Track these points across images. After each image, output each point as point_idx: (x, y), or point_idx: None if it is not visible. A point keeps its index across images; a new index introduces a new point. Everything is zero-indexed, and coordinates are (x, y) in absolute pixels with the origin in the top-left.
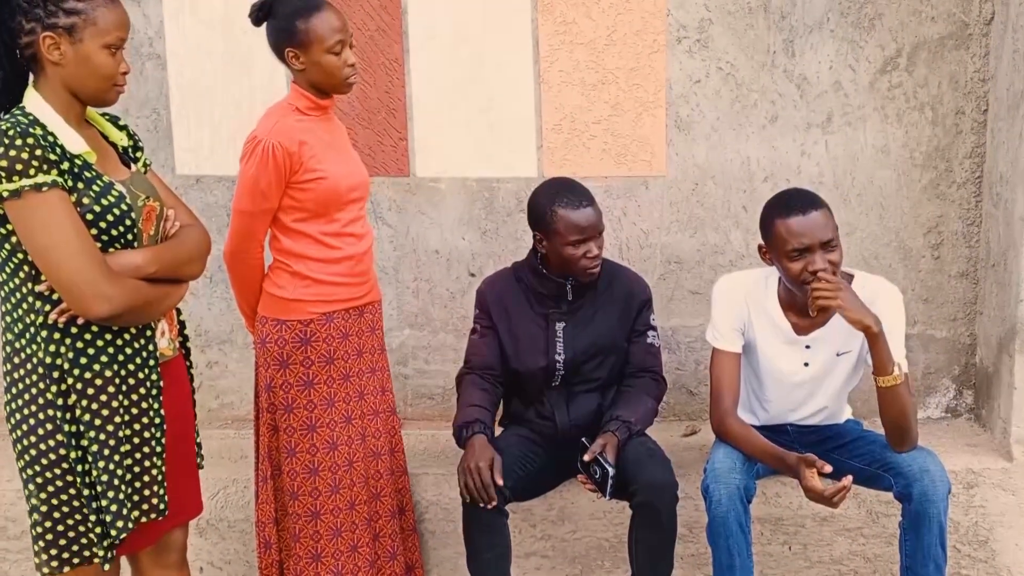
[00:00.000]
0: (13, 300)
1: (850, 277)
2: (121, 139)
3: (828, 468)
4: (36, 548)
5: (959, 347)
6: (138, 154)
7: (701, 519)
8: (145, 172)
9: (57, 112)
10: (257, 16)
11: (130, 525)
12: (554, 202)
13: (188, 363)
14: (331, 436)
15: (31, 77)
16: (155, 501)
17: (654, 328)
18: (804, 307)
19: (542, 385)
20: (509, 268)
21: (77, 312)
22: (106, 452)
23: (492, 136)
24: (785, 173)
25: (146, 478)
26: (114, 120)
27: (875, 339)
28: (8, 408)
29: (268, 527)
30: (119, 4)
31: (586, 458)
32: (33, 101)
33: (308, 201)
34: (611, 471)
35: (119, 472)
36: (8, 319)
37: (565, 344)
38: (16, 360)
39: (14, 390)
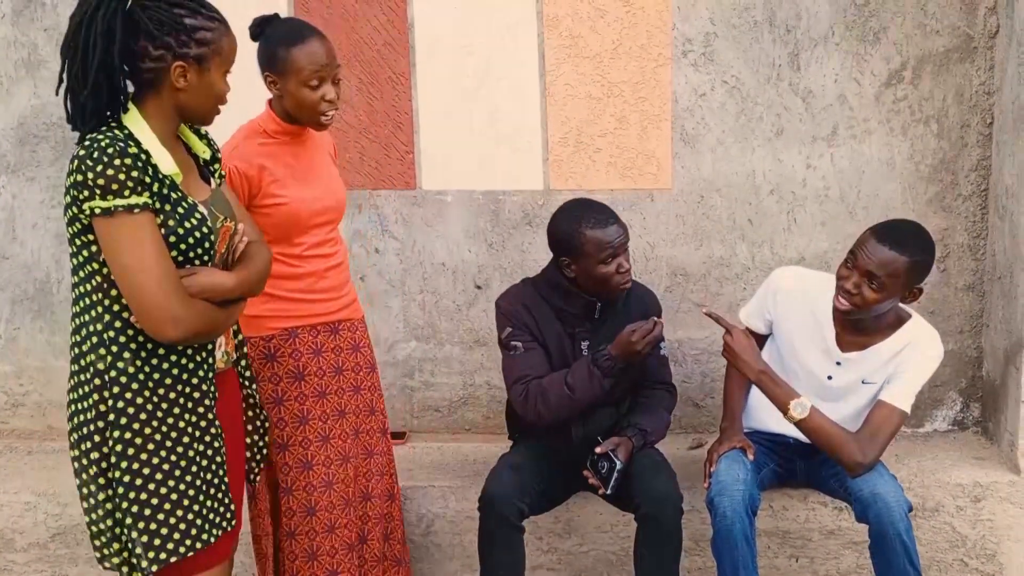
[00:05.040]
0: (82, 304)
1: (908, 317)
2: (204, 151)
3: (751, 457)
4: (114, 550)
5: (965, 360)
6: (215, 165)
7: (708, 532)
8: (220, 184)
9: (155, 131)
10: (254, 32)
11: (206, 539)
12: (580, 224)
13: (240, 374)
14: (305, 455)
15: (130, 91)
16: (224, 512)
17: (663, 338)
18: (855, 322)
19: None
20: (525, 285)
21: (149, 333)
22: (177, 473)
23: (498, 149)
24: (790, 186)
25: (216, 492)
26: (195, 129)
27: (757, 383)
28: (70, 409)
29: (265, 539)
30: (231, 30)
31: (598, 451)
32: (133, 118)
33: (267, 226)
34: (619, 464)
35: (190, 491)
36: (76, 321)
37: None
38: (81, 363)
39: (75, 394)
